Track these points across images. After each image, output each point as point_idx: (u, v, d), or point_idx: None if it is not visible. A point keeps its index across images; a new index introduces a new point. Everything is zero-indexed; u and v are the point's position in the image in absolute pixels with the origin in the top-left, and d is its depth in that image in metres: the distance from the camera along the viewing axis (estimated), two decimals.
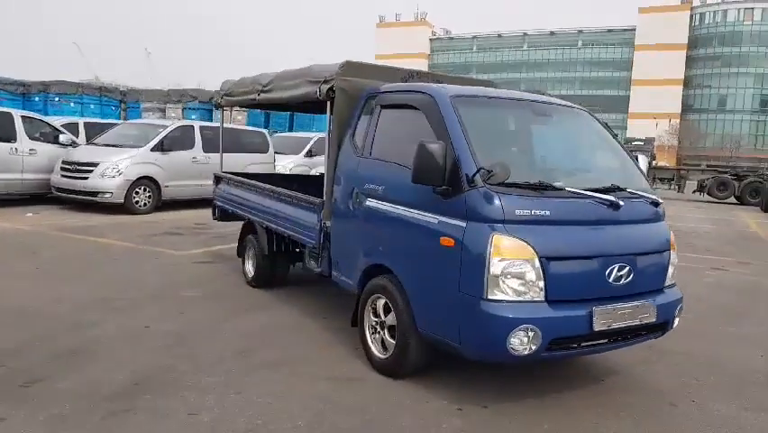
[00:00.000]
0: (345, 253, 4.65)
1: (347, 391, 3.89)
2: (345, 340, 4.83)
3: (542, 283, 3.37)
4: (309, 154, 16.76)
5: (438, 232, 3.60)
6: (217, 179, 7.55)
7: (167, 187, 12.32)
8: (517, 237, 3.35)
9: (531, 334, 3.32)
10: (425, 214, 3.73)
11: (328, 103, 4.92)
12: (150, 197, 12.04)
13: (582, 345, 3.56)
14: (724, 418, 3.75)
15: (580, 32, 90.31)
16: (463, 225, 3.46)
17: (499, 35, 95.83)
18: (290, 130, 24.04)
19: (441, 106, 3.84)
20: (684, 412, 3.81)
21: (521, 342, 3.32)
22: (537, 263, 3.35)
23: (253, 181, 6.55)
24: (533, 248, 3.35)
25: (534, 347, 3.35)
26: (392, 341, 4.05)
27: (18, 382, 3.74)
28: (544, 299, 3.38)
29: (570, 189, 3.60)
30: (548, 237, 3.43)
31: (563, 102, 4.67)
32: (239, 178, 7.00)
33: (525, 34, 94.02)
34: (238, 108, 29.11)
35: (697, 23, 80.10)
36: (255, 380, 3.99)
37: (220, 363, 4.24)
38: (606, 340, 3.64)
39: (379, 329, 4.21)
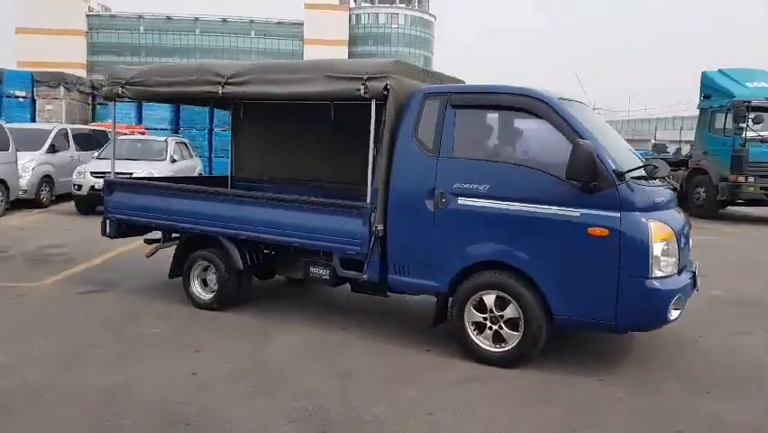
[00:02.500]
0: (421, 255, 4.56)
1: (501, 388, 3.99)
2: (396, 343, 4.81)
3: (676, 258, 4.06)
4: (52, 149, 14.06)
5: (584, 224, 3.97)
6: (109, 186, 6.13)
7: None
8: (662, 222, 3.98)
9: (680, 301, 4.00)
10: (561, 208, 4.04)
11: (373, 102, 4.67)
12: None
13: None
14: (726, 342, 5.07)
15: (252, 21, 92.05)
16: (617, 215, 3.91)
17: (168, 18, 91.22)
18: None
19: (558, 109, 4.16)
20: (708, 343, 5.03)
21: (674, 309, 3.98)
22: (675, 242, 4.03)
23: (225, 189, 5.64)
24: (672, 229, 4.01)
25: (679, 312, 4.04)
26: (513, 332, 4.25)
27: None
28: (677, 271, 4.08)
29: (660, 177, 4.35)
30: (670, 219, 4.14)
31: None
32: (186, 185, 5.98)
33: (196, 19, 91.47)
34: None
35: (354, 23, 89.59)
36: (407, 398, 3.78)
37: (350, 393, 3.85)
38: None
39: (489, 324, 4.33)
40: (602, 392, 3.96)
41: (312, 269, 5.26)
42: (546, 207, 4.08)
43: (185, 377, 4.01)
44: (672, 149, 22.09)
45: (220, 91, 5.32)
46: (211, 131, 18.66)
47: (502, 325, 4.29)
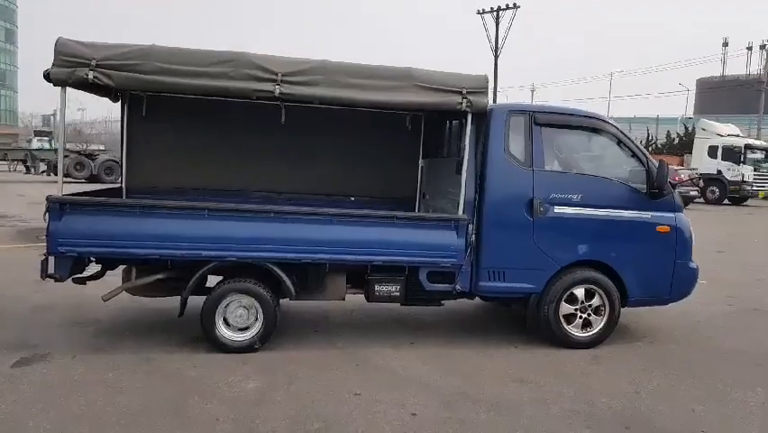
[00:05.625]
0: (519, 260, 4.91)
1: (630, 363, 4.79)
2: (488, 345, 5.11)
3: None
4: None
5: (654, 223, 5.06)
6: (62, 208, 4.32)
7: None
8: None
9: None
10: (636, 212, 5.03)
11: (470, 116, 4.75)
12: None
13: None
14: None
15: None
16: (673, 215, 5.13)
17: None
18: None
19: (623, 132, 5.12)
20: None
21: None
22: None
23: (290, 207, 4.61)
24: None
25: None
26: (597, 318, 5.06)
27: None
28: None
29: None
30: None
31: None
32: (223, 204, 4.78)
33: None
34: None
35: None
36: (619, 390, 4.27)
37: (579, 393, 4.11)
38: None
39: (579, 313, 5.03)
40: (677, 352, 5.16)
41: (378, 287, 4.95)
42: (625, 211, 5.02)
43: (408, 419, 3.55)
44: None
45: (277, 90, 4.45)
46: None
47: (590, 312, 5.05)
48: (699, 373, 4.62)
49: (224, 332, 4.62)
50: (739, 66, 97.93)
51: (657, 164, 5.00)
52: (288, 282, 4.66)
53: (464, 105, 4.70)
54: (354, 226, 4.71)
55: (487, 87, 4.80)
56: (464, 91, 4.71)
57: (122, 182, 6.00)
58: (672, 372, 4.61)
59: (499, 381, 4.28)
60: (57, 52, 4.28)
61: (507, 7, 32.89)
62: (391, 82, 4.68)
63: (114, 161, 27.47)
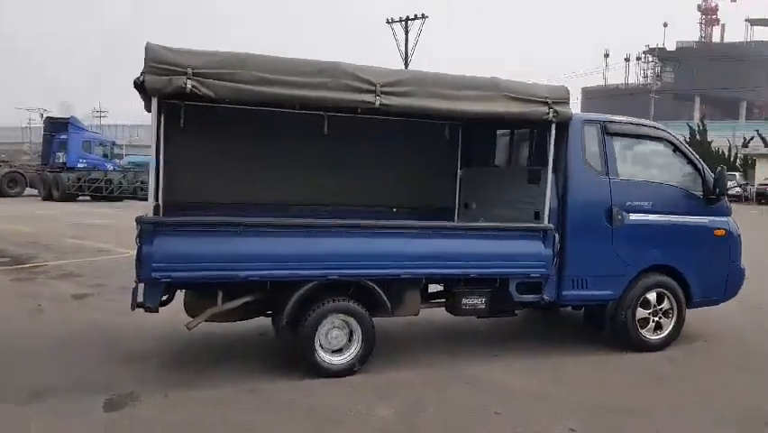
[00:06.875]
0: (600, 268, 5.00)
1: (709, 363, 5.01)
2: (570, 354, 5.16)
3: None
4: None
5: (712, 228, 5.35)
6: (157, 228, 3.91)
7: None
8: None
9: None
10: (697, 217, 5.30)
11: (554, 127, 4.80)
12: None
13: None
14: None
15: None
16: (726, 219, 5.45)
17: None
18: None
19: (679, 140, 5.39)
20: None
21: None
22: None
23: (386, 221, 4.35)
24: None
25: None
26: (667, 320, 5.26)
27: None
28: None
29: None
30: None
31: None
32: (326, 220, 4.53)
33: None
34: None
35: None
36: (724, 389, 4.44)
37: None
38: None
39: (652, 317, 5.20)
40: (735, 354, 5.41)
41: (465, 300, 4.86)
42: (689, 217, 5.27)
43: None
44: None
45: (377, 102, 4.26)
46: None
47: (661, 316, 5.24)
48: None
49: (323, 356, 4.34)
50: (618, 76, 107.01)
51: (718, 171, 5.31)
52: (386, 299, 4.48)
53: (551, 115, 4.73)
54: (452, 240, 4.61)
55: (569, 98, 4.87)
56: (550, 102, 4.74)
57: (156, 198, 5.51)
58: (752, 372, 4.86)
59: (618, 390, 4.34)
60: (148, 59, 3.85)
61: (416, 17, 33.23)
62: (481, 92, 4.62)
63: (19, 173, 25.20)
